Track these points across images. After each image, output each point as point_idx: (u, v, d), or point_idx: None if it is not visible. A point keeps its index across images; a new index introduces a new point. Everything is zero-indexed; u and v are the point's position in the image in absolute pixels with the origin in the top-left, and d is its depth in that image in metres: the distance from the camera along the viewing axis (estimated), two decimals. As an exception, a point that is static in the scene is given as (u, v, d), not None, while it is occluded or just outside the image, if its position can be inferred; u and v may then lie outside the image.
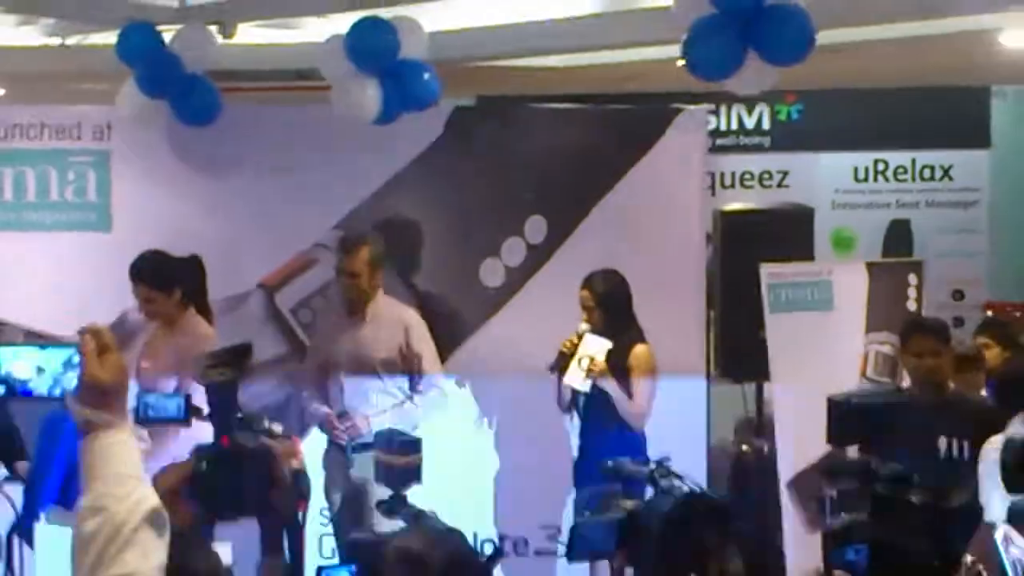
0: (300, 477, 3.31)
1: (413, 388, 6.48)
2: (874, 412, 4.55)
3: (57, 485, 4.57)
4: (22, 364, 2.75)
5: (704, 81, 5.33)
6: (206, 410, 3.57)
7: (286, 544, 3.40)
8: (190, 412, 3.51)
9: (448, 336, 7.15)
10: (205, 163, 7.10)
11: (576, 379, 6.53)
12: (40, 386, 2.75)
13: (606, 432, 6.58)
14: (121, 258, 6.95)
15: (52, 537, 3.87)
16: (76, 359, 2.44)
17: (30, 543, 4.03)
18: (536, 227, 7.20)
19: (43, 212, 7.14)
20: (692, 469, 6.61)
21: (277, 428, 3.43)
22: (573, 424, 6.76)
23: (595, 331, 6.53)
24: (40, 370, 2.76)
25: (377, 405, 6.45)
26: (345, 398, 6.49)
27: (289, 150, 7.12)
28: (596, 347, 6.49)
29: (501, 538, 7.09)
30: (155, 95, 6.59)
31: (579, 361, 6.48)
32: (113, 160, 7.13)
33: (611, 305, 6.60)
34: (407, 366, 6.46)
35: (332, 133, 6.89)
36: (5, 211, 7.13)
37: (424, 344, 6.52)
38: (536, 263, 7.17)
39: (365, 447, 5.98)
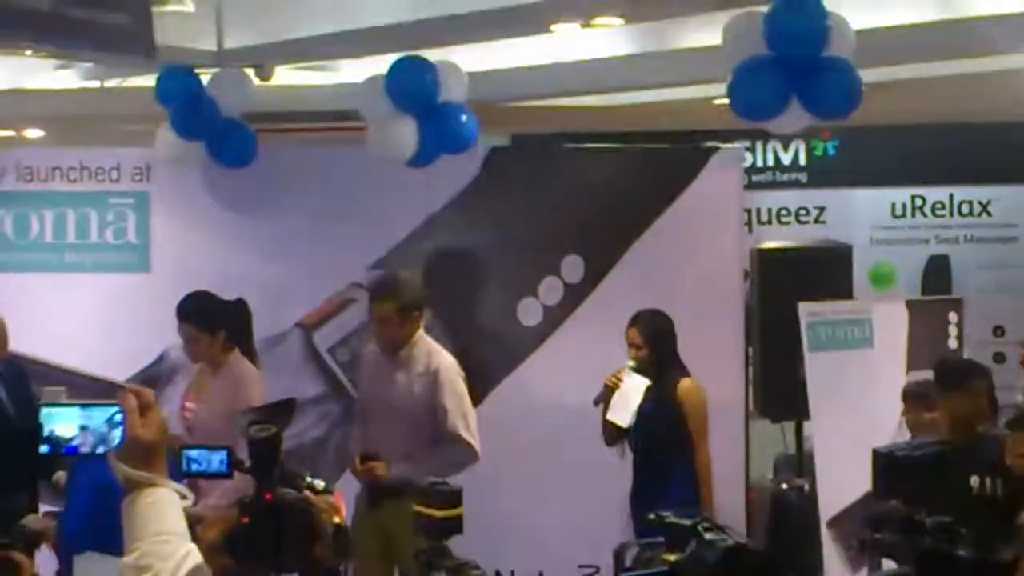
0: (341, 532, 3.29)
1: (435, 440, 6.15)
2: (919, 465, 4.52)
3: (86, 531, 4.58)
4: (65, 424, 2.75)
5: (746, 121, 5.32)
6: (247, 462, 3.56)
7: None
8: (233, 465, 3.50)
9: (487, 374, 7.17)
10: (243, 204, 7.14)
11: (618, 415, 6.56)
12: (84, 444, 2.75)
13: (661, 465, 6.58)
14: (160, 298, 7.00)
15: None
16: (118, 418, 2.45)
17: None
18: (573, 266, 7.20)
19: (83, 253, 7.21)
20: (730, 507, 6.70)
21: (319, 484, 3.41)
22: (625, 458, 6.72)
23: (640, 368, 6.55)
24: (83, 428, 2.76)
25: (400, 451, 6.12)
26: (372, 441, 6.24)
27: (327, 191, 7.16)
28: (635, 385, 6.53)
29: (540, 577, 7.08)
30: (191, 138, 6.64)
31: (621, 397, 6.52)
32: (152, 201, 7.19)
33: (657, 343, 6.60)
34: (430, 416, 6.13)
35: (369, 174, 6.91)
36: (46, 252, 7.20)
37: (451, 397, 6.13)
38: (574, 302, 7.17)
39: (389, 492, 5.89)
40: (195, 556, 2.28)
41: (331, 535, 3.34)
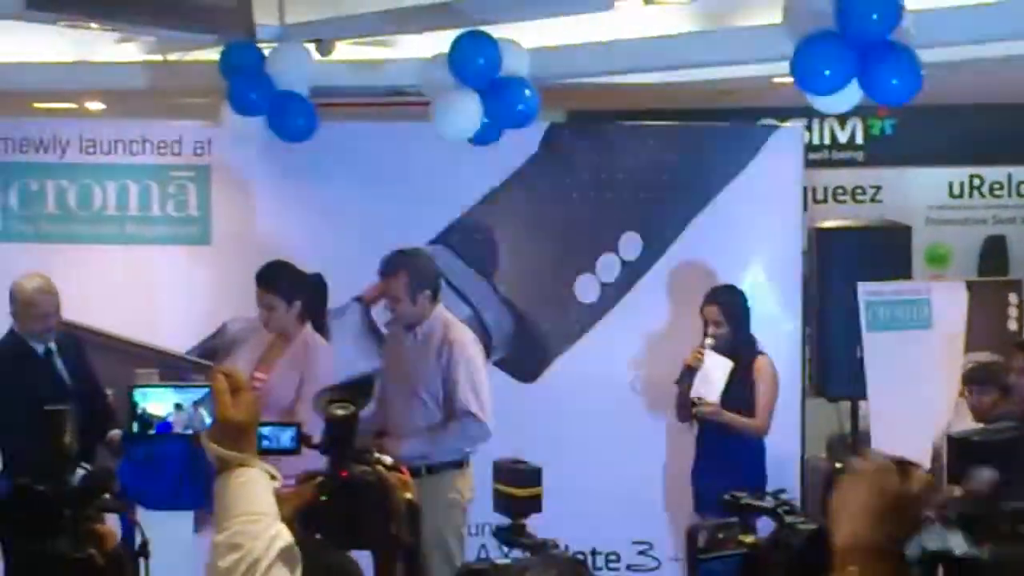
0: (413, 509, 3.32)
1: (449, 416, 6.12)
2: (995, 449, 4.51)
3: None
4: (157, 404, 2.80)
5: (806, 95, 5.28)
6: (316, 439, 3.60)
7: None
8: (301, 442, 3.54)
9: (543, 351, 7.20)
10: (303, 178, 7.18)
11: (705, 392, 6.55)
12: (177, 424, 2.80)
13: (726, 439, 6.61)
14: (221, 271, 7.10)
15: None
16: (209, 399, 2.48)
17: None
18: (631, 243, 7.21)
19: (145, 225, 7.26)
20: (785, 485, 6.69)
21: (387, 459, 3.43)
22: (692, 432, 6.76)
23: (719, 346, 6.56)
24: (178, 407, 2.81)
25: (414, 427, 6.16)
26: (390, 416, 6.24)
27: (386, 166, 7.19)
28: (719, 364, 6.53)
29: (593, 552, 7.11)
30: (250, 112, 6.66)
31: (703, 376, 6.53)
32: (213, 175, 7.23)
33: (736, 320, 6.62)
34: (445, 392, 6.12)
35: (429, 149, 6.93)
36: (108, 225, 7.25)
37: (464, 373, 6.09)
38: (631, 280, 7.18)
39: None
40: (285, 535, 2.30)
41: (404, 511, 3.37)
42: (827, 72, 5.04)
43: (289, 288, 6.36)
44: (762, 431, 6.61)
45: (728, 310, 6.61)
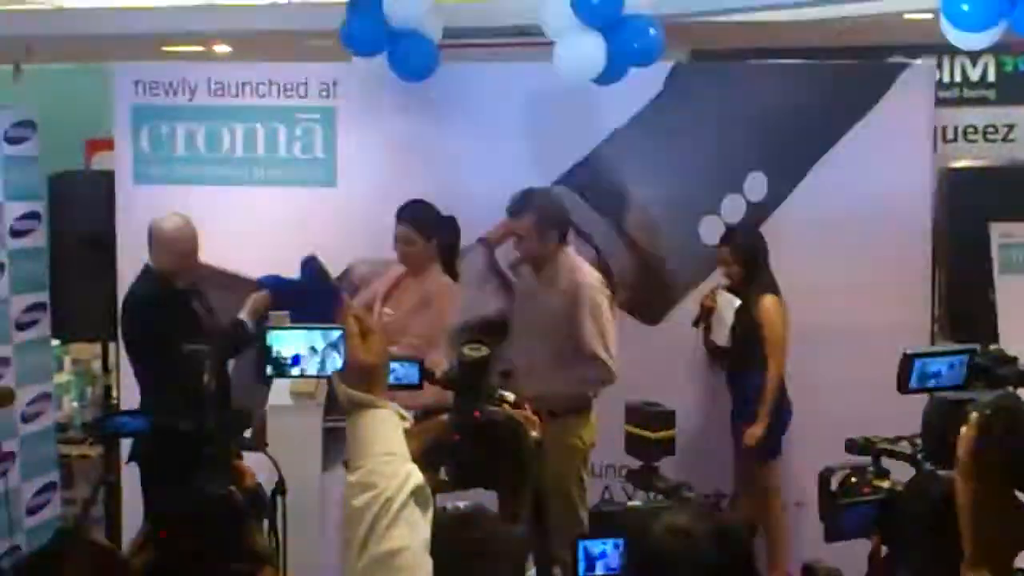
0: (540, 447, 3.34)
1: (574, 358, 6.12)
2: None
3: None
4: (289, 347, 2.84)
5: (945, 32, 5.13)
6: (437, 373, 3.62)
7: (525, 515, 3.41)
8: (424, 377, 3.57)
9: (667, 293, 7.16)
10: (427, 120, 7.19)
11: (718, 335, 6.80)
12: (311, 366, 2.84)
13: (746, 382, 6.75)
14: (346, 212, 7.15)
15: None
16: (341, 341, 2.50)
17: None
18: (757, 184, 7.12)
19: (272, 168, 7.33)
20: (914, 426, 6.61)
21: (509, 396, 3.45)
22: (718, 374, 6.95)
23: (732, 287, 6.77)
24: (311, 349, 2.84)
25: (540, 367, 6.13)
26: (516, 356, 6.18)
27: (509, 107, 7.17)
28: (727, 303, 6.76)
29: (716, 494, 7.06)
30: (366, 50, 6.62)
31: (719, 317, 6.77)
32: (338, 117, 7.27)
33: (748, 260, 6.75)
34: (569, 334, 6.11)
35: (552, 90, 6.89)
36: (235, 167, 7.34)
37: (589, 315, 6.08)
38: (756, 220, 7.09)
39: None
40: (417, 475, 2.33)
41: (534, 449, 3.39)
42: (978, 10, 4.89)
43: (428, 225, 6.49)
44: (777, 376, 6.63)
45: (737, 250, 6.75)
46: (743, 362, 6.76)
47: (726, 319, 6.76)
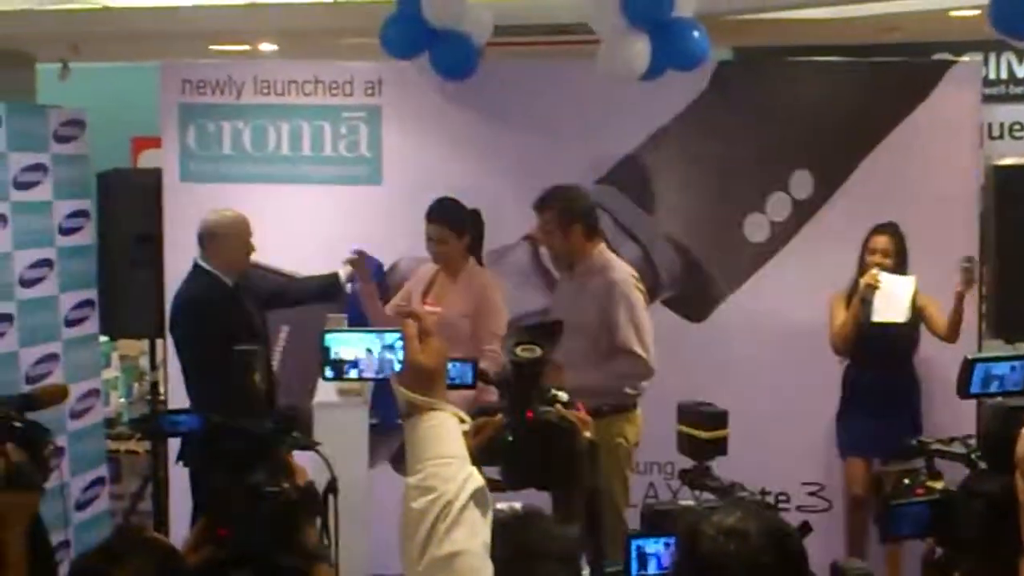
0: (593, 448, 3.35)
1: (610, 353, 6.06)
2: None
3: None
4: (348, 349, 2.87)
5: (1001, 34, 5.12)
6: (491, 374, 3.64)
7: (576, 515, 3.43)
8: (478, 377, 3.59)
9: (711, 291, 7.17)
10: (472, 118, 7.22)
11: (890, 314, 6.65)
12: (368, 369, 2.86)
13: (889, 378, 6.76)
14: (392, 210, 7.19)
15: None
16: (399, 344, 2.52)
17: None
18: (802, 182, 7.12)
19: (318, 166, 7.37)
20: (958, 430, 6.59)
21: (563, 395, 3.46)
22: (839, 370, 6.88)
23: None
24: (369, 352, 2.87)
25: (576, 363, 5.83)
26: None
27: (553, 105, 7.19)
28: (901, 282, 6.67)
29: (763, 493, 7.06)
30: (404, 51, 6.62)
31: (885, 297, 6.65)
32: (384, 115, 7.31)
33: (902, 254, 6.75)
34: (605, 330, 6.05)
35: (597, 88, 6.90)
36: (282, 164, 7.39)
37: (624, 311, 6.01)
38: (802, 218, 7.09)
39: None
40: (476, 478, 2.32)
41: (587, 449, 3.40)
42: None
43: (460, 220, 6.52)
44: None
45: (898, 243, 6.74)
46: (899, 358, 6.80)
47: (902, 296, 6.66)
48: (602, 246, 6.32)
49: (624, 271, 6.22)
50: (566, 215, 6.19)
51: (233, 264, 6.40)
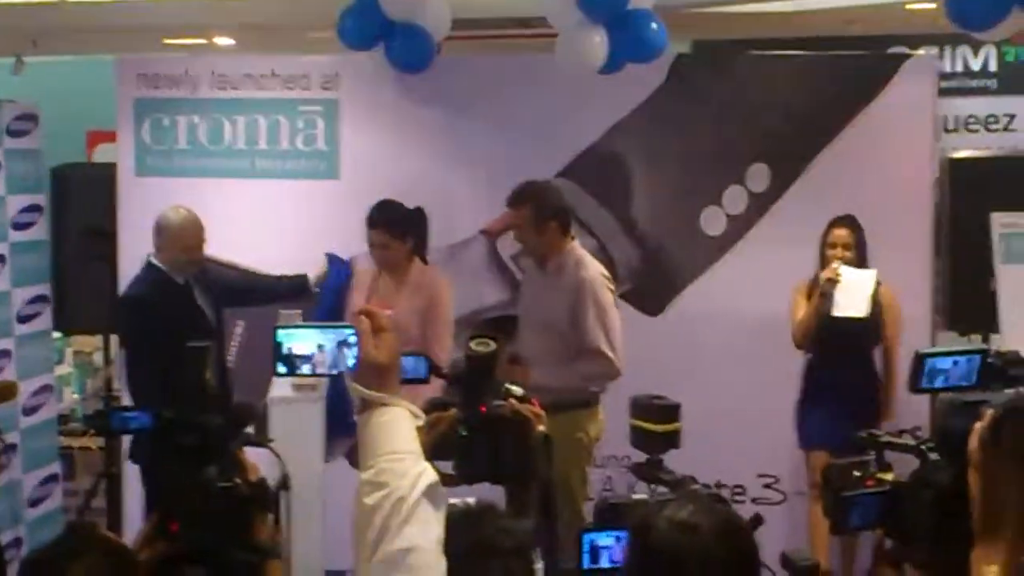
0: (547, 442, 3.35)
1: (578, 353, 6.09)
2: None
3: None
4: (301, 345, 2.84)
5: (962, 30, 5.13)
6: (444, 368, 3.62)
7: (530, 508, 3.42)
8: (431, 371, 3.57)
9: (668, 284, 7.18)
10: (430, 112, 7.19)
11: (851, 309, 6.62)
12: (320, 365, 2.84)
13: (845, 370, 6.76)
14: (349, 205, 7.14)
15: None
16: (352, 339, 2.51)
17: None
18: (759, 175, 7.13)
19: (274, 160, 7.34)
20: (913, 420, 6.63)
21: (517, 390, 3.45)
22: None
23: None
24: (320, 347, 2.85)
25: (544, 361, 6.08)
26: (522, 349, 6.14)
27: (511, 99, 7.17)
28: (863, 276, 6.64)
29: (718, 485, 7.09)
30: (360, 43, 6.58)
31: (846, 291, 6.61)
32: (341, 109, 7.28)
33: (861, 247, 6.75)
34: (574, 329, 6.07)
35: (554, 81, 6.89)
36: (237, 159, 7.34)
37: (592, 310, 6.04)
38: (758, 212, 7.11)
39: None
40: (430, 474, 2.32)
41: (540, 443, 3.39)
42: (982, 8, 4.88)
43: (401, 224, 6.47)
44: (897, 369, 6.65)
45: (857, 235, 6.74)
46: (857, 350, 6.79)
47: (864, 290, 6.63)
48: (575, 243, 6.32)
49: (595, 269, 6.24)
50: (542, 212, 6.19)
51: (183, 264, 6.37)
